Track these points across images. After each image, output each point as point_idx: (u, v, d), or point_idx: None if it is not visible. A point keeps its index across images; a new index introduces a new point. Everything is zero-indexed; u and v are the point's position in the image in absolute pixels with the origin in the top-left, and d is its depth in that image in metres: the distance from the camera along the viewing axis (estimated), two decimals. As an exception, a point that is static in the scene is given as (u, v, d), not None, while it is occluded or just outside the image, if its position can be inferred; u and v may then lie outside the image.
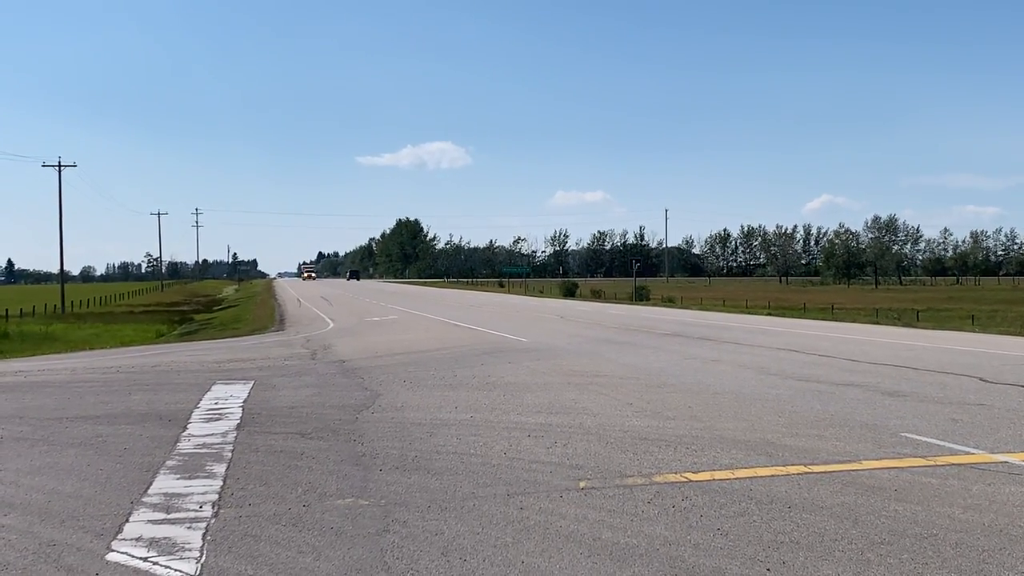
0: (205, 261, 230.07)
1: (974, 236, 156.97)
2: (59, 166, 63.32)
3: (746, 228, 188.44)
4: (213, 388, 12.60)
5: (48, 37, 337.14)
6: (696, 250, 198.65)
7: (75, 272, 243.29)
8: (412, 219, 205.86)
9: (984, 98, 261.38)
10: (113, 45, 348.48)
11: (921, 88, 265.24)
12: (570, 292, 66.86)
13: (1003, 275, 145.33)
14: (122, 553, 5.22)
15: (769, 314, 36.60)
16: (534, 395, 11.64)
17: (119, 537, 5.53)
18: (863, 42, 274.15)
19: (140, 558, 5.13)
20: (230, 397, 11.68)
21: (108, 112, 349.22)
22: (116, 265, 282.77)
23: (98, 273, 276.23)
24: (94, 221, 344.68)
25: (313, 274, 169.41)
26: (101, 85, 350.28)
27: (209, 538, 5.49)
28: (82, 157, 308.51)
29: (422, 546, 5.31)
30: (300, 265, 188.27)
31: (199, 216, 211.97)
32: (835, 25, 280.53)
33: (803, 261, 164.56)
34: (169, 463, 7.68)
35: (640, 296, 56.17)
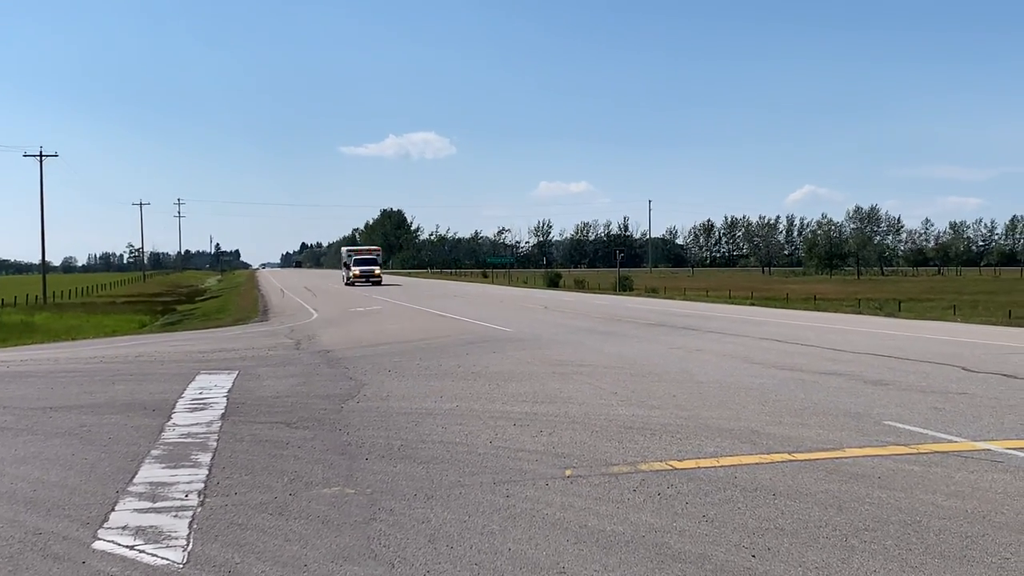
0: (187, 252, 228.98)
1: (953, 227, 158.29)
2: (40, 156, 62.92)
3: (729, 219, 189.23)
4: (197, 378, 12.55)
5: (30, 25, 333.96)
6: (680, 241, 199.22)
7: (56, 262, 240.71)
8: (396, 209, 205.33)
9: (967, 89, 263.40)
10: (95, 34, 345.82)
11: (905, 79, 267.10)
12: (554, 282, 66.82)
13: (984, 266, 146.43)
14: (108, 541, 5.22)
15: (752, 304, 36.73)
16: (519, 384, 11.66)
17: (105, 526, 5.52)
18: (847, 33, 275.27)
19: (127, 546, 5.13)
20: (214, 387, 11.63)
21: (90, 102, 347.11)
22: (98, 255, 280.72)
23: (80, 264, 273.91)
24: (76, 211, 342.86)
25: (376, 269, 70.06)
26: (83, 75, 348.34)
27: (195, 526, 5.49)
28: (64, 147, 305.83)
29: (409, 534, 5.32)
30: (346, 251, 78.98)
31: (181, 206, 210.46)
32: (818, 15, 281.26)
33: (786, 252, 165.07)
34: (154, 452, 7.65)
35: (624, 286, 56.26)
